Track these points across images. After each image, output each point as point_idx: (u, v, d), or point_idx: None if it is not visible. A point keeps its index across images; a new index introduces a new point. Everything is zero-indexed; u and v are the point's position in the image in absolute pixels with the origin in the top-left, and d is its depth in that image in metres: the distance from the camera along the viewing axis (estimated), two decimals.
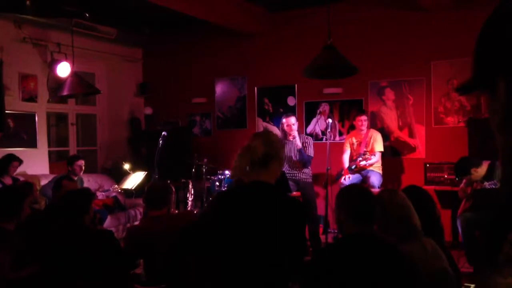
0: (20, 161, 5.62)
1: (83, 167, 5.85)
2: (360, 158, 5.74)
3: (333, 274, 2.01)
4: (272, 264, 2.03)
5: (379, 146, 5.92)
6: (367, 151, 5.84)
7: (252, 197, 2.12)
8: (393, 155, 6.45)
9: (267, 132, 2.61)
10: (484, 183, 4.60)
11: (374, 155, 5.82)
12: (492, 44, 0.66)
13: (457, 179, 5.05)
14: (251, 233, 2.03)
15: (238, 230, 2.05)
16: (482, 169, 4.62)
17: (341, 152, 6.14)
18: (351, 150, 6.07)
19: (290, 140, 5.57)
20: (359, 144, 6.00)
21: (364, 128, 5.98)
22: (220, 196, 2.31)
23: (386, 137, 6.36)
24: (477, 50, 0.68)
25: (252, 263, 2.03)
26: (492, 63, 0.66)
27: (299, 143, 5.49)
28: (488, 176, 4.59)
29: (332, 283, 2.01)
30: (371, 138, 5.96)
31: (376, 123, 6.56)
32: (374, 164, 5.87)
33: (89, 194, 3.28)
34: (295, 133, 5.54)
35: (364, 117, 5.97)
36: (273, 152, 2.18)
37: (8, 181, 5.47)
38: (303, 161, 5.51)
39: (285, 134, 5.63)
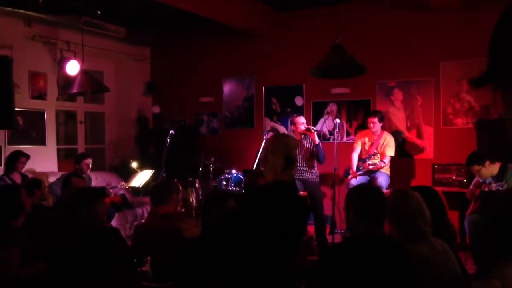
0: (27, 157, 5.65)
1: (90, 166, 5.90)
2: (369, 162, 5.70)
3: (340, 273, 2.01)
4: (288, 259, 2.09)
5: (390, 151, 5.83)
6: (378, 153, 5.81)
7: (283, 196, 2.27)
8: (401, 156, 6.42)
9: (288, 137, 3.01)
10: (492, 184, 4.58)
11: (384, 159, 5.75)
12: (506, 42, 0.66)
13: (466, 166, 5.00)
14: (279, 229, 2.08)
15: (270, 226, 2.10)
16: (492, 168, 4.59)
17: (349, 152, 6.11)
18: (361, 149, 6.03)
19: (300, 139, 5.57)
20: (371, 145, 5.95)
21: (375, 129, 5.90)
22: (255, 196, 2.44)
23: (394, 138, 6.33)
24: (491, 47, 0.68)
25: (275, 259, 2.07)
26: (506, 61, 0.66)
27: (317, 139, 5.49)
28: (498, 176, 4.57)
29: (338, 282, 2.00)
30: (384, 141, 5.89)
31: (384, 124, 6.53)
32: (384, 166, 5.84)
33: (103, 191, 3.30)
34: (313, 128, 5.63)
35: (373, 119, 5.88)
36: (295, 156, 2.52)
37: (17, 177, 5.51)
38: (319, 157, 5.51)
39: (295, 133, 5.64)
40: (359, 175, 5.83)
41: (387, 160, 5.78)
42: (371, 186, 3.89)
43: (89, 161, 5.85)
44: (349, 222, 2.19)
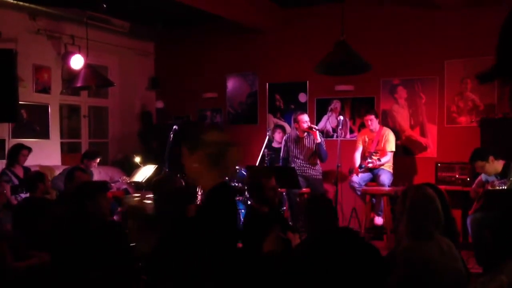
0: (29, 149, 5.65)
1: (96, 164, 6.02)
2: (369, 160, 5.72)
3: (306, 270, 2.21)
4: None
5: (391, 145, 5.88)
6: (378, 151, 5.83)
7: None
8: (404, 154, 6.41)
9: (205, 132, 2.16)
10: (495, 181, 4.56)
11: (386, 155, 5.78)
12: None
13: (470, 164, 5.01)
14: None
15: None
16: (496, 164, 4.57)
17: (352, 149, 6.12)
18: (363, 147, 6.05)
19: (303, 137, 5.56)
20: (371, 141, 5.98)
21: (373, 127, 5.97)
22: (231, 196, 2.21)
23: (397, 135, 6.32)
24: (501, 40, 0.67)
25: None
26: None
27: (319, 138, 5.49)
28: (502, 174, 4.55)
29: (309, 275, 2.16)
30: (383, 136, 5.93)
31: (387, 122, 6.52)
32: (385, 163, 5.85)
33: (105, 185, 3.31)
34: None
35: (370, 117, 5.96)
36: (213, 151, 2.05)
37: (19, 171, 5.51)
38: (321, 155, 5.51)
39: (298, 130, 5.63)
40: (361, 171, 5.85)
41: (387, 157, 5.82)
42: (320, 196, 4.24)
43: (98, 160, 5.99)
44: (307, 226, 2.61)
